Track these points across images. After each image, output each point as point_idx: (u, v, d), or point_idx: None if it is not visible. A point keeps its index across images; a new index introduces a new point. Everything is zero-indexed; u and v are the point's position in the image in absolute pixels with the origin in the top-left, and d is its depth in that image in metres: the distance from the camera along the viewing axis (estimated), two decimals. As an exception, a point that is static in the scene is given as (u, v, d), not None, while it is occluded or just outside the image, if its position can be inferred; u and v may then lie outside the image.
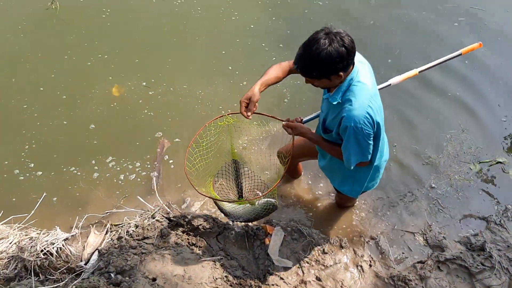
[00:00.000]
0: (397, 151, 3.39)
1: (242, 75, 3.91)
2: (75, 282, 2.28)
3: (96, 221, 2.91)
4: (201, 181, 2.43)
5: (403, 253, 2.84)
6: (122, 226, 2.80)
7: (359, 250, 2.78)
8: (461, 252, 2.74)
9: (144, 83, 3.79)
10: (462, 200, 3.14)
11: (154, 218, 2.77)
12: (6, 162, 3.21)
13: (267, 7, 4.57)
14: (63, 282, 2.39)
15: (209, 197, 2.41)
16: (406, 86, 3.80)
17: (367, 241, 2.88)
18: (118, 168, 3.22)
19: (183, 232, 2.68)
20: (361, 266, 2.68)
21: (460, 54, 2.46)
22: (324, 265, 2.64)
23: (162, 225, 2.70)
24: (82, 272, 2.50)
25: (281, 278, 2.52)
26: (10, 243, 2.60)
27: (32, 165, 3.21)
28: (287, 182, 3.19)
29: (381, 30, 4.40)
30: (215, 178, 2.59)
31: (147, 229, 2.67)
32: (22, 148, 3.29)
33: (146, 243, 2.56)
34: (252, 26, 4.36)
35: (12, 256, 2.52)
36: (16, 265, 2.49)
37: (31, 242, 2.59)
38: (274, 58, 4.04)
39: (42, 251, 2.54)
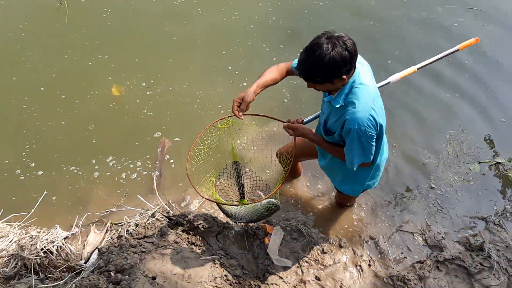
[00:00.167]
0: (397, 152, 3.40)
1: (242, 75, 3.91)
2: (75, 280, 2.29)
3: (96, 219, 2.92)
4: (203, 184, 2.44)
5: (402, 253, 2.85)
6: (122, 225, 2.81)
7: (358, 250, 2.78)
8: (460, 252, 2.74)
9: (144, 83, 3.80)
10: (461, 200, 3.15)
11: (154, 217, 2.78)
12: (7, 161, 3.22)
13: (267, 7, 4.57)
14: (63, 280, 2.40)
15: (213, 201, 2.42)
16: (406, 87, 3.81)
17: (366, 241, 2.88)
18: (119, 167, 3.23)
19: (183, 231, 2.69)
20: (360, 266, 2.69)
21: (458, 50, 2.46)
22: (323, 265, 2.64)
23: (162, 224, 2.71)
24: (82, 270, 2.50)
25: (281, 278, 2.53)
26: (10, 242, 2.60)
27: (33, 164, 3.21)
28: (286, 182, 3.20)
29: (381, 30, 4.41)
30: (216, 180, 2.60)
31: (147, 228, 2.68)
32: (23, 148, 3.29)
33: (146, 242, 2.57)
34: (252, 26, 4.36)
35: (12, 254, 2.52)
36: (16, 264, 2.48)
37: (31, 241, 2.59)
38: (274, 59, 4.04)
39: (42, 249, 2.54)
